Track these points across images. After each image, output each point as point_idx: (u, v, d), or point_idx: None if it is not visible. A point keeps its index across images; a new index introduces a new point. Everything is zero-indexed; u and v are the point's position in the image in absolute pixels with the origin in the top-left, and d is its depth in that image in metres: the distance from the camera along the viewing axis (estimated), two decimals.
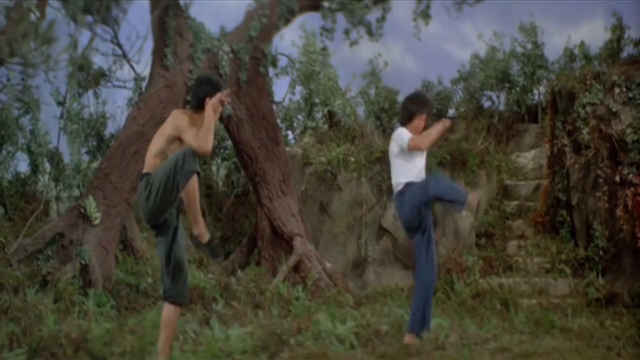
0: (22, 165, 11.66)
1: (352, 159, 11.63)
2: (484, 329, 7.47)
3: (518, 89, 13.96)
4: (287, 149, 11.62)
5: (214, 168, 13.42)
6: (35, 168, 11.49)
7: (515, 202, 11.74)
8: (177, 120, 5.21)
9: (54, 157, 11.28)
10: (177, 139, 5.18)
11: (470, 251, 10.57)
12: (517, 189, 12.12)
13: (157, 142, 5.28)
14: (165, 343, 5.30)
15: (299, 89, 13.90)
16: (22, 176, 11.65)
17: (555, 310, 8.95)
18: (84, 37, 10.45)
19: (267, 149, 10.49)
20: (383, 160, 11.40)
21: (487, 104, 14.50)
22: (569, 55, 13.73)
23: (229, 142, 11.91)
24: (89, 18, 10.65)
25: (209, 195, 12.68)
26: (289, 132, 14.15)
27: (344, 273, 10.73)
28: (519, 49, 14.13)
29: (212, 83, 5.33)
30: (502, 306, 9.21)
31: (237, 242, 11.61)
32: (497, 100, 14.43)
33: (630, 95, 9.89)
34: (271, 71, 12.06)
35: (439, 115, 14.30)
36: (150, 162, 5.22)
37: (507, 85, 14.15)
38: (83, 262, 8.33)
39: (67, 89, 11.26)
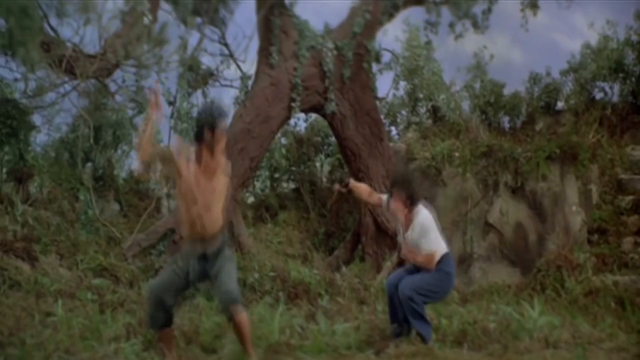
0: (136, 163, 12.14)
1: (456, 154, 11.44)
2: (597, 327, 7.19)
3: (633, 79, 13.33)
4: (391, 144, 11.57)
5: (318, 164, 13.53)
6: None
7: (631, 197, 11.22)
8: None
9: None
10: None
11: (581, 248, 10.20)
12: (633, 183, 11.59)
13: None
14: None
15: (402, 84, 13.83)
16: (136, 174, 12.14)
17: None
18: (193, 38, 10.76)
19: (371, 144, 10.48)
20: (489, 154, 11.18)
21: (599, 95, 13.95)
22: None
23: (333, 139, 11.98)
24: (198, 19, 10.96)
25: (313, 192, 12.80)
26: (393, 128, 14.09)
27: None
28: (634, 38, 13.50)
29: (211, 115, 5.14)
30: (617, 305, 8.82)
31: (341, 238, 11.66)
32: (610, 91, 13.85)
33: None
34: (375, 67, 12.05)
35: (548, 107, 13.89)
36: None
37: (621, 75, 13.55)
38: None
39: (177, 89, 11.65)
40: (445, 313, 7.49)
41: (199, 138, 5.11)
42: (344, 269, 9.81)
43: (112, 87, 10.16)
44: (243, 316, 5.07)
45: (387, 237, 10.26)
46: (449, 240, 10.98)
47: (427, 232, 6.03)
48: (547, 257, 9.79)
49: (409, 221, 6.11)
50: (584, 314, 8.03)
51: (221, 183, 5.17)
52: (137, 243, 9.02)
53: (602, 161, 11.51)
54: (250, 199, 13.09)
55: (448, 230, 11.17)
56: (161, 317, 5.18)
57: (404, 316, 6.15)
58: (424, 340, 6.00)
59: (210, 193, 5.10)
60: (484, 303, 8.58)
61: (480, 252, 10.88)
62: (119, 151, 11.97)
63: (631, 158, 12.20)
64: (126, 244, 9.21)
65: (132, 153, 12.08)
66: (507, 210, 10.94)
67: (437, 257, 6.06)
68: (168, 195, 12.05)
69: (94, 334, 6.15)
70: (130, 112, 11.53)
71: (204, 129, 5.07)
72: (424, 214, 6.07)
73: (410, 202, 6.10)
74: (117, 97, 10.43)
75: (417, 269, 6.16)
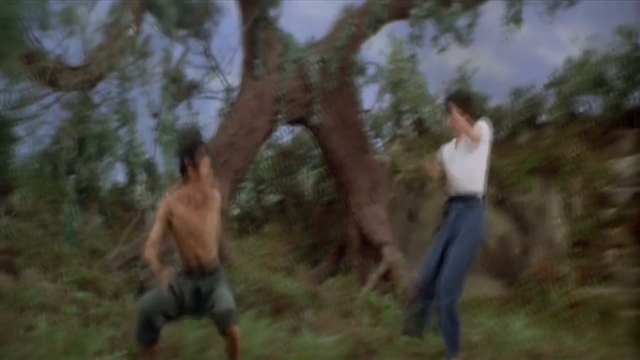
0: (120, 175, 12.11)
1: None
2: (580, 340, 7.24)
3: (614, 93, 13.48)
4: (376, 157, 11.61)
5: (302, 177, 13.54)
6: (132, 178, 11.90)
7: (612, 210, 11.33)
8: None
9: (150, 167, 11.66)
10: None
11: (564, 260, 10.27)
12: (614, 197, 11.69)
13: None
14: None
15: (387, 97, 13.89)
16: (120, 186, 12.09)
17: None
18: (177, 50, 10.76)
19: (355, 157, 10.51)
20: None
21: (581, 109, 14.08)
22: None
23: (317, 151, 12.00)
24: (182, 32, 10.97)
25: (298, 204, 12.81)
26: (378, 140, 14.14)
27: None
28: (615, 52, 13.66)
29: (190, 150, 5.15)
30: (600, 318, 8.89)
31: (326, 250, 11.66)
32: (592, 105, 13.99)
33: None
34: (359, 80, 12.09)
35: (530, 121, 13.99)
36: None
37: (602, 89, 13.70)
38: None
39: (161, 101, 11.62)
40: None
41: (182, 170, 5.15)
42: (328, 281, 9.81)
43: (96, 99, 10.13)
44: (238, 330, 5.14)
45: (372, 250, 10.27)
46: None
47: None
48: (530, 270, 9.86)
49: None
50: (567, 327, 8.11)
51: (212, 213, 5.21)
52: (122, 255, 8.96)
53: (584, 174, 11.61)
54: (236, 211, 13.06)
55: (431, 243, 11.21)
56: (149, 335, 5.20)
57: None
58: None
59: (203, 226, 5.15)
60: (467, 316, 8.60)
61: None
62: (103, 163, 11.90)
63: (612, 171, 12.32)
64: (110, 256, 9.14)
65: (115, 165, 12.02)
66: (490, 223, 10.99)
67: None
68: (153, 207, 12.00)
69: (77, 348, 6.10)
70: (114, 124, 11.48)
71: (184, 159, 5.11)
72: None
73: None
74: (102, 109, 10.40)
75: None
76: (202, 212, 5.16)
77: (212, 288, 5.19)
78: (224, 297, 5.14)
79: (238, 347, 5.18)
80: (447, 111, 6.21)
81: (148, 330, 5.17)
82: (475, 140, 5.96)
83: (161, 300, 5.15)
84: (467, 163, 6.07)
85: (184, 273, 5.25)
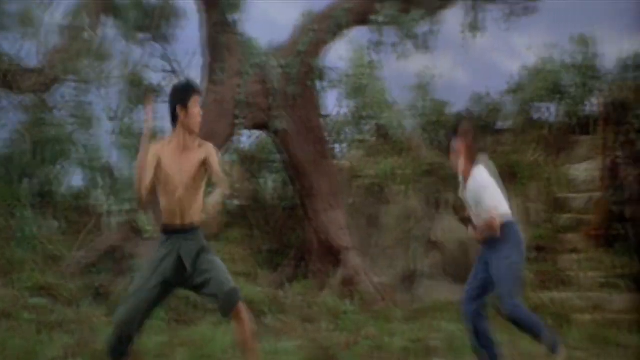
0: (76, 179, 11.91)
1: (400, 171, 11.56)
2: (537, 345, 7.32)
3: (570, 100, 13.73)
4: (335, 162, 11.62)
5: (262, 181, 13.49)
6: (88, 182, 11.71)
7: (568, 215, 11.51)
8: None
9: (107, 171, 11.49)
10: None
11: None
12: (570, 202, 11.88)
13: None
14: None
15: (347, 102, 13.91)
16: (76, 190, 11.88)
17: (610, 327, 8.72)
18: (136, 53, 10.64)
19: (316, 162, 10.51)
20: (432, 173, 11.34)
21: (537, 115, 14.30)
22: (623, 65, 13.45)
23: (277, 156, 11.97)
24: (141, 35, 10.86)
25: (258, 209, 12.74)
26: (337, 145, 14.14)
27: (393, 287, 10.65)
28: (570, 60, 13.92)
29: (179, 91, 4.95)
30: (556, 322, 9.00)
31: (286, 255, 11.62)
32: (548, 111, 14.22)
33: None
34: (320, 85, 12.11)
35: (488, 127, 14.16)
36: None
37: (558, 96, 13.93)
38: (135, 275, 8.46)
39: (118, 104, 11.48)
40: (388, 330, 7.54)
41: (173, 119, 4.89)
42: (288, 286, 9.78)
43: (52, 102, 9.96)
44: (244, 309, 4.76)
45: (331, 255, 10.27)
46: (392, 258, 11.18)
47: (486, 187, 5.59)
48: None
49: (467, 174, 5.67)
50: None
51: (202, 165, 4.83)
52: (77, 261, 8.81)
53: (541, 180, 11.77)
54: None
55: (391, 247, 11.27)
56: (123, 349, 4.81)
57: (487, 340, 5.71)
58: (553, 350, 5.49)
59: (192, 176, 4.79)
60: (427, 320, 8.66)
61: (424, 270, 10.98)
62: (59, 167, 11.69)
63: (568, 177, 12.52)
64: (65, 262, 8.98)
65: (71, 169, 11.82)
66: (449, 228, 11.09)
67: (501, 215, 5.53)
68: (109, 212, 11.82)
69: (31, 355, 5.98)
70: (70, 128, 11.30)
71: (176, 108, 4.85)
72: (481, 167, 5.68)
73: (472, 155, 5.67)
74: (57, 113, 10.23)
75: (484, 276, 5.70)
76: (189, 158, 4.82)
77: (195, 256, 4.76)
78: (222, 274, 4.76)
79: (248, 329, 4.73)
80: (452, 142, 5.79)
81: (123, 344, 4.76)
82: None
83: (137, 302, 4.70)
84: (483, 212, 5.63)
85: (164, 236, 4.85)
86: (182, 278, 4.77)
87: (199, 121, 4.91)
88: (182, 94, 4.89)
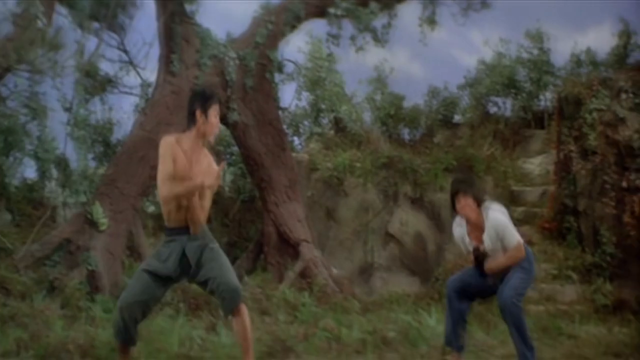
0: (29, 171, 11.68)
1: (358, 164, 11.62)
2: (490, 335, 7.45)
3: (524, 94, 13.95)
4: (294, 154, 11.61)
5: (221, 173, 13.39)
6: (42, 174, 11.50)
7: (522, 208, 11.70)
8: (160, 149, 4.97)
9: (61, 163, 11.30)
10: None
11: None
12: (524, 195, 12.09)
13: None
14: None
15: (305, 95, 13.92)
16: (29, 182, 11.67)
17: (562, 317, 8.91)
18: (91, 43, 10.44)
19: (274, 154, 10.49)
20: (389, 166, 11.42)
21: (493, 109, 14.50)
22: (576, 61, 13.74)
23: (235, 148, 11.91)
24: (96, 24, 10.68)
25: (216, 201, 12.67)
26: (296, 138, 14.15)
27: (351, 279, 10.71)
28: (525, 55, 14.13)
29: (202, 96, 5.00)
30: None
31: (244, 247, 11.60)
32: (504, 106, 14.43)
33: (637, 101, 9.89)
34: (277, 77, 12.08)
35: (446, 120, 14.31)
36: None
37: (513, 91, 14.14)
38: (90, 268, 8.36)
39: (74, 95, 11.28)
40: (346, 322, 7.58)
41: (191, 121, 4.94)
42: (246, 278, 9.76)
43: (4, 92, 9.74)
44: (245, 310, 4.83)
45: (289, 247, 10.26)
46: (350, 250, 11.25)
47: (506, 225, 5.78)
48: (444, 267, 10.07)
49: (479, 223, 5.81)
50: (479, 322, 8.30)
51: (209, 164, 5.00)
52: (31, 254, 8.65)
53: (496, 173, 11.94)
54: (151, 208, 12.81)
55: (349, 240, 11.34)
56: (129, 333, 4.88)
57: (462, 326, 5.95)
58: None
59: (197, 174, 4.88)
60: (384, 312, 8.73)
61: (380, 262, 11.07)
62: (11, 158, 11.45)
63: (522, 170, 12.74)
64: (18, 254, 8.81)
65: (25, 160, 11.59)
66: (407, 221, 11.20)
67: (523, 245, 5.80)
68: (64, 204, 11.64)
69: None
70: (23, 119, 11.07)
71: (196, 112, 4.91)
72: (495, 209, 5.83)
73: (478, 204, 5.82)
74: (10, 103, 10.01)
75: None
76: (200, 161, 4.95)
77: (199, 253, 4.87)
78: (225, 272, 4.82)
79: (248, 329, 4.79)
80: (457, 197, 5.86)
81: (128, 328, 4.84)
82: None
83: (142, 290, 4.82)
84: (506, 245, 5.81)
85: (170, 233, 4.94)
86: (186, 274, 4.92)
87: (216, 132, 5.03)
88: (204, 100, 4.96)
